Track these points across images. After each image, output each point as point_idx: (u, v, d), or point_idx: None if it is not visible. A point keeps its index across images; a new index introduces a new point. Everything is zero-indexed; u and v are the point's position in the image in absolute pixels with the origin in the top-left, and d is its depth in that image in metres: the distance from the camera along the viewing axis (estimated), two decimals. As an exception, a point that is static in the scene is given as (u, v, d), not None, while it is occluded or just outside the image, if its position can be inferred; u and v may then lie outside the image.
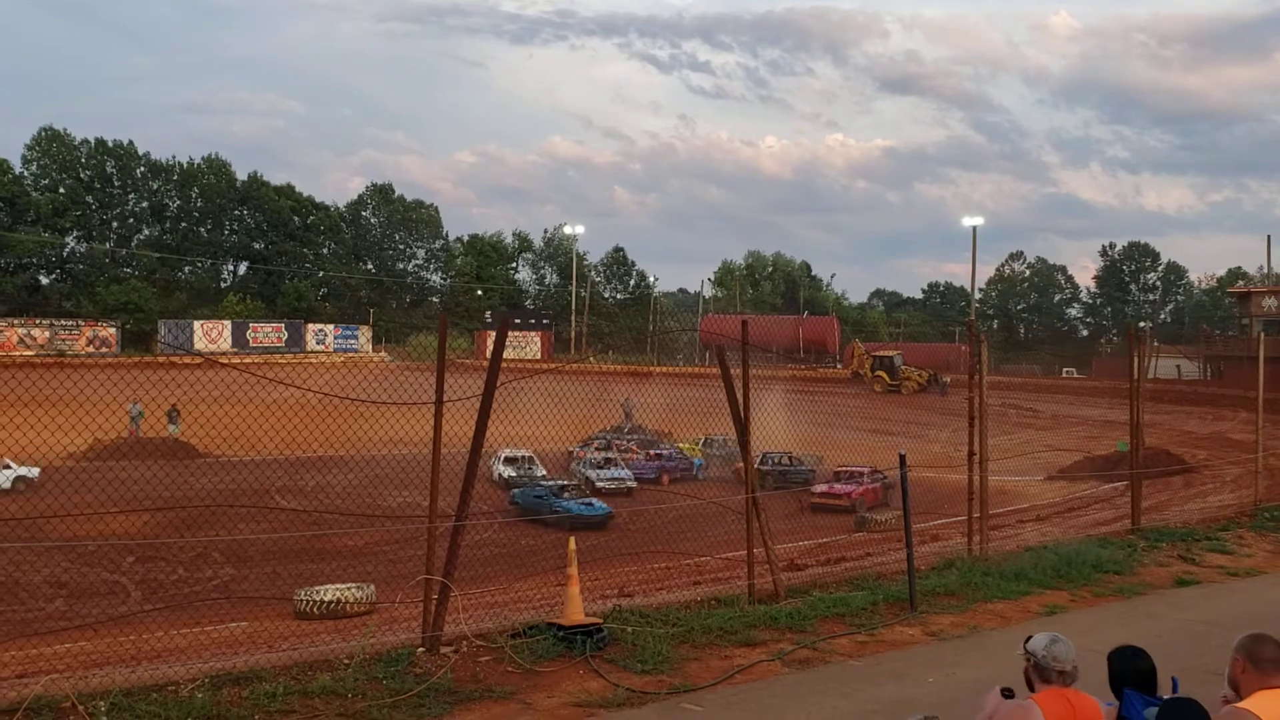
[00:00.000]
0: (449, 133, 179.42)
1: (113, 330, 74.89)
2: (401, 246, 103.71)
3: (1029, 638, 4.47)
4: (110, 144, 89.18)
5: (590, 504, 26.90)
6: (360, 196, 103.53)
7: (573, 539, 9.60)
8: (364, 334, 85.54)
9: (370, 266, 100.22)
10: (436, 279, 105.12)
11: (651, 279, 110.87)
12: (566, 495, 28.23)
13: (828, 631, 9.91)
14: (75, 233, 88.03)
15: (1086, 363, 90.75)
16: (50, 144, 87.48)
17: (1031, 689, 4.38)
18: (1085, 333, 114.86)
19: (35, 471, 27.92)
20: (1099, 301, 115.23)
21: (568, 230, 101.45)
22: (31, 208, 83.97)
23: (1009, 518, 23.32)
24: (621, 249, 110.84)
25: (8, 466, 28.70)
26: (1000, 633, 10.24)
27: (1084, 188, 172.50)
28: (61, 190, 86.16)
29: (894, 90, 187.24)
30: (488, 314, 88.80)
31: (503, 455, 30.97)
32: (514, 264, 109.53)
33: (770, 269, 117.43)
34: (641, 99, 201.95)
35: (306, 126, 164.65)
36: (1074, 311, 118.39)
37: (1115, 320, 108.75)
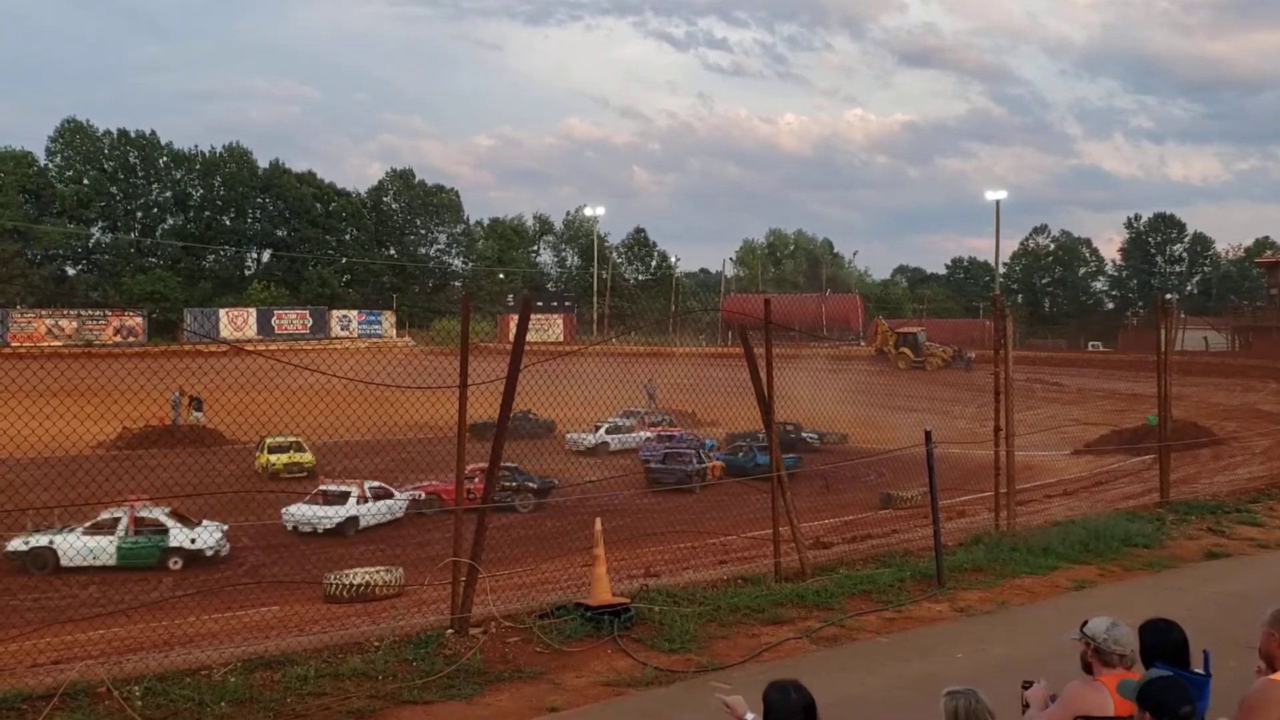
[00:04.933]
0: (466, 116, 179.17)
1: (139, 320, 75.47)
2: (423, 231, 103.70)
3: (1085, 621, 4.45)
4: (133, 134, 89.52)
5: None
6: (381, 182, 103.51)
7: (599, 520, 9.61)
8: (388, 319, 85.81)
9: (392, 252, 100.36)
10: (458, 263, 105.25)
11: (673, 259, 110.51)
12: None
13: (855, 609, 9.91)
14: (100, 223, 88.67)
15: (1112, 336, 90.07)
16: (74, 135, 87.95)
17: (1090, 672, 4.37)
18: (1111, 306, 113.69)
19: None
20: (1124, 274, 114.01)
21: (588, 212, 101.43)
22: (57, 199, 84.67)
23: (1036, 493, 23.23)
24: (642, 230, 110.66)
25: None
26: (1029, 608, 10.21)
27: (1108, 159, 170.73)
28: (86, 181, 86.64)
29: (913, 64, 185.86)
30: (510, 297, 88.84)
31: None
32: (535, 247, 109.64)
33: (792, 247, 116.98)
34: (658, 78, 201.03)
35: (324, 113, 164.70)
36: (1099, 285, 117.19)
37: (1141, 293, 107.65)
